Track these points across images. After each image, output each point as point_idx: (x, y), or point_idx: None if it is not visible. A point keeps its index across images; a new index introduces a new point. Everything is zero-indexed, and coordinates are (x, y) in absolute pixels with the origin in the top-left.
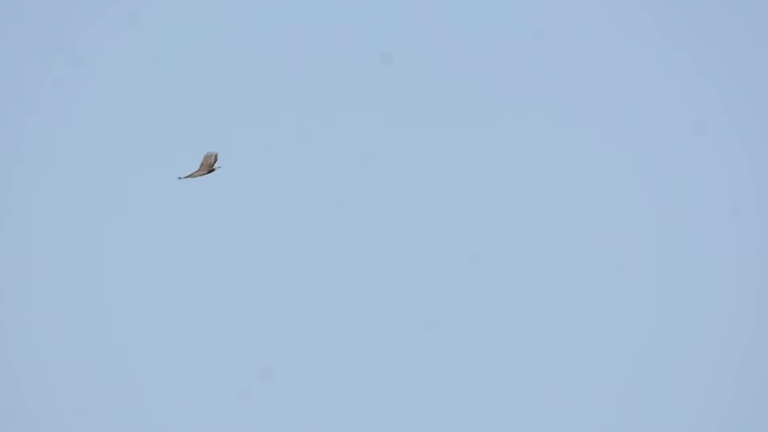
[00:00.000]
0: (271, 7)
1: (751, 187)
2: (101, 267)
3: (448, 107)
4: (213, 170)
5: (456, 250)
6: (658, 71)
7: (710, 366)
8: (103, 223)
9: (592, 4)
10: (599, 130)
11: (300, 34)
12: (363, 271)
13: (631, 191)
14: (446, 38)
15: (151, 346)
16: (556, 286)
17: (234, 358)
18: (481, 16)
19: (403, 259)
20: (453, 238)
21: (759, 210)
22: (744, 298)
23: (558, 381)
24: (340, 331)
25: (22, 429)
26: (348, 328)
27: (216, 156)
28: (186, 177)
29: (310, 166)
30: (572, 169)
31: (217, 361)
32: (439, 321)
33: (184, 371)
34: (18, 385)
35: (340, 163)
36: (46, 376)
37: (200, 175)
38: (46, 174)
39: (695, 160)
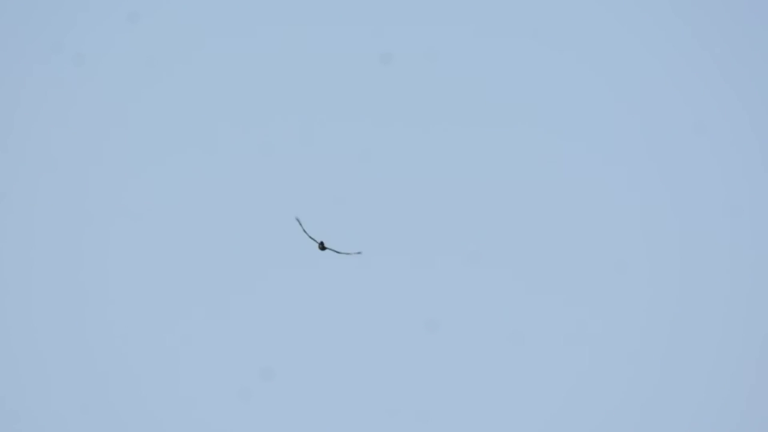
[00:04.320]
0: (271, 8)
1: (750, 187)
2: (101, 267)
3: (447, 107)
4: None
5: (455, 250)
6: (657, 71)
7: (709, 366)
8: (104, 222)
9: (592, 5)
10: (598, 129)
11: (300, 34)
12: (362, 272)
13: (630, 191)
14: (446, 38)
15: (151, 346)
16: (555, 287)
17: (234, 359)
18: (481, 16)
19: (402, 259)
20: (452, 239)
21: (759, 210)
22: (743, 298)
23: (556, 382)
24: (339, 331)
25: (23, 429)
26: (347, 329)
27: None
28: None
29: (310, 165)
30: (571, 168)
31: (218, 361)
32: (438, 322)
33: (184, 371)
34: (19, 385)
35: (339, 162)
36: (46, 376)
37: None
38: (46, 173)
39: (695, 160)
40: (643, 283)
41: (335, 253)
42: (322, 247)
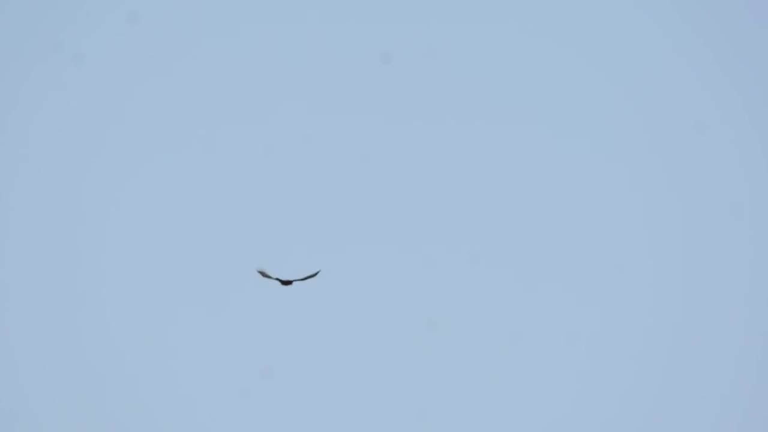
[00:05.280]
0: (271, 8)
1: (751, 187)
2: (101, 266)
3: (448, 107)
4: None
5: (454, 250)
6: (658, 71)
7: (710, 366)
8: (103, 222)
9: (593, 4)
10: (599, 128)
11: (300, 34)
12: (362, 272)
13: (630, 191)
14: (446, 38)
15: (151, 346)
16: (555, 287)
17: (234, 359)
18: (481, 16)
19: (402, 260)
20: (451, 239)
21: (759, 210)
22: (744, 298)
23: (556, 383)
24: (339, 331)
25: (23, 429)
26: (347, 329)
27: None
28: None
29: (310, 165)
30: (571, 168)
31: (217, 361)
32: (439, 322)
33: (184, 371)
34: (20, 385)
35: (339, 163)
36: (46, 377)
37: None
38: (45, 173)
39: (696, 159)
40: (643, 283)
41: (301, 281)
42: (286, 282)
